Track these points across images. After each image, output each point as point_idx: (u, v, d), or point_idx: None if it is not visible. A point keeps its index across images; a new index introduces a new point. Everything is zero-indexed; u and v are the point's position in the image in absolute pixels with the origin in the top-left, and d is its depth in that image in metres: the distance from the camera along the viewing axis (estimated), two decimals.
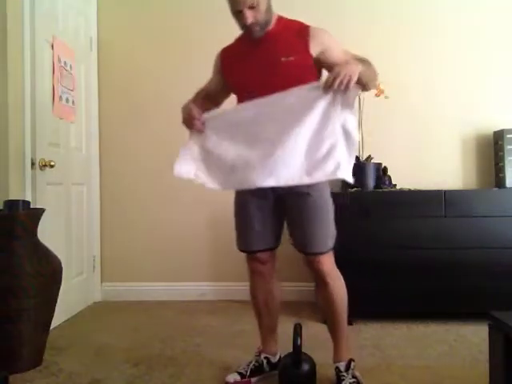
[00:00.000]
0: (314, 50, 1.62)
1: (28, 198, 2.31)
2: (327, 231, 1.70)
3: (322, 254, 1.68)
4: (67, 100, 2.76)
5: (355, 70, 1.47)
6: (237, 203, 1.80)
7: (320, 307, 1.81)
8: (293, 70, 1.61)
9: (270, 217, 1.74)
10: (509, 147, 2.77)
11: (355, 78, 1.46)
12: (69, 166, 2.79)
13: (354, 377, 1.70)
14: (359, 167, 2.78)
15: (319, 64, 1.66)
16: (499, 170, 2.84)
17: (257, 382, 1.83)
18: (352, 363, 1.74)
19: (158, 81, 3.20)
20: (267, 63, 1.62)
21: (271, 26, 1.65)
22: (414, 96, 3.06)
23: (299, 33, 1.63)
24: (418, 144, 3.07)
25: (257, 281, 1.84)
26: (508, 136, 2.77)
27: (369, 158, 2.83)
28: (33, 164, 2.38)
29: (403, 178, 2.91)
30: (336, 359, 1.76)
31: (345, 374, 1.70)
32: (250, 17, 1.55)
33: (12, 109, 2.29)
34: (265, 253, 1.78)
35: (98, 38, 3.20)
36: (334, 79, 1.46)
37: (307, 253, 1.70)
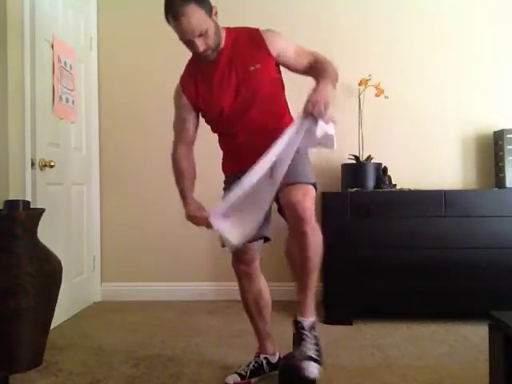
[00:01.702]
0: (273, 52, 1.66)
1: (28, 197, 2.31)
2: (306, 169, 1.65)
3: (302, 183, 1.58)
4: (67, 100, 2.76)
5: (328, 95, 1.51)
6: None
7: (289, 256, 1.65)
8: (263, 76, 1.65)
9: None
10: (509, 147, 2.77)
11: (330, 102, 1.50)
12: (69, 165, 2.79)
13: (315, 338, 1.59)
14: (359, 167, 2.79)
15: (278, 63, 1.71)
16: (499, 170, 2.84)
17: (257, 382, 1.83)
18: (317, 325, 1.63)
19: (158, 80, 3.20)
20: (238, 77, 1.63)
21: (223, 43, 1.65)
22: (414, 96, 3.06)
23: (253, 39, 1.66)
24: (418, 144, 3.07)
25: (245, 284, 1.83)
26: (508, 136, 2.77)
27: (369, 158, 2.83)
28: (33, 164, 2.38)
29: (403, 178, 2.90)
30: (301, 314, 1.61)
31: (307, 333, 1.58)
32: (200, 45, 1.55)
33: (12, 109, 2.29)
34: (248, 252, 1.75)
35: (98, 38, 3.20)
36: (313, 109, 1.48)
37: (288, 183, 1.56)
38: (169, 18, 1.52)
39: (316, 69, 1.65)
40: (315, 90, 1.53)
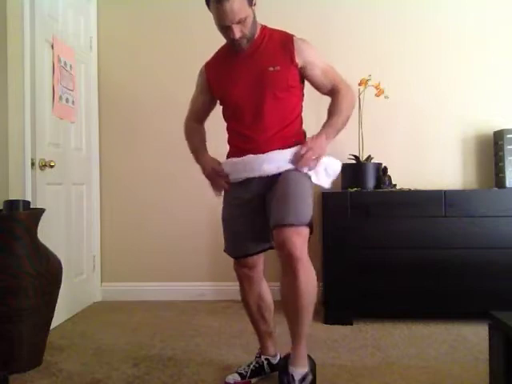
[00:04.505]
0: (299, 61, 1.65)
1: (28, 198, 2.31)
2: (303, 204, 1.56)
3: (294, 226, 1.50)
4: (67, 100, 2.76)
5: (323, 149, 1.60)
6: (223, 210, 1.78)
7: (282, 299, 1.59)
8: (280, 79, 1.63)
9: (255, 222, 1.69)
10: (509, 147, 2.77)
11: (322, 157, 1.61)
12: (69, 166, 2.79)
13: None
14: (359, 167, 2.79)
15: (302, 75, 1.70)
16: (499, 170, 2.84)
17: (257, 382, 1.83)
18: (309, 377, 1.55)
19: (157, 80, 3.20)
20: (255, 74, 1.64)
21: (256, 37, 1.66)
22: (414, 96, 3.06)
23: (284, 43, 1.65)
24: (418, 144, 3.07)
25: (246, 286, 1.81)
26: (508, 136, 2.77)
27: (369, 158, 2.83)
28: (33, 164, 2.38)
29: (403, 178, 2.91)
30: (292, 363, 1.56)
31: None
32: (237, 32, 1.56)
33: (12, 109, 2.29)
34: (250, 257, 1.73)
35: (97, 38, 3.20)
36: (302, 159, 1.57)
37: (277, 225, 1.52)
38: (210, 2, 1.53)
39: (331, 105, 1.68)
40: (311, 140, 1.59)
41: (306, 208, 1.57)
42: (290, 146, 1.64)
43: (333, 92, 1.69)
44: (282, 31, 1.71)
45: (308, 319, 1.58)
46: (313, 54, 1.67)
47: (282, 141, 1.65)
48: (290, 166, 1.62)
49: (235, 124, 1.73)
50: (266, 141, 1.64)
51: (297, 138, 1.69)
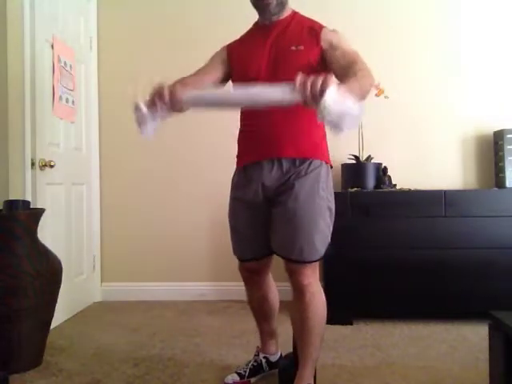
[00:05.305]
0: (323, 44, 1.56)
1: (28, 198, 2.31)
2: (317, 236, 1.52)
3: (307, 263, 1.52)
4: (67, 100, 2.76)
5: (328, 79, 1.15)
6: (229, 211, 1.73)
7: (292, 321, 1.65)
8: (301, 58, 1.55)
9: (261, 226, 1.63)
10: (509, 147, 2.77)
11: (330, 82, 1.15)
12: (69, 166, 2.79)
13: None
14: (359, 167, 2.79)
15: (324, 58, 1.57)
16: (499, 170, 2.84)
17: (256, 382, 1.83)
18: None
19: (158, 80, 3.20)
20: (275, 53, 1.58)
21: (285, 15, 1.63)
22: (414, 96, 3.06)
23: (312, 29, 1.60)
24: (418, 144, 3.07)
25: (250, 289, 1.80)
26: (508, 136, 2.77)
27: (369, 158, 2.83)
28: (33, 164, 2.37)
29: (403, 178, 2.91)
30: (295, 382, 1.59)
31: None
32: None
33: (12, 109, 2.29)
34: (254, 262, 1.70)
35: (97, 38, 3.20)
36: (305, 82, 1.16)
37: (287, 258, 1.55)
38: None
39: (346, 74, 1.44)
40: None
41: (321, 240, 1.53)
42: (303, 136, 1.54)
43: (349, 65, 1.47)
44: (313, 20, 1.66)
45: (315, 342, 1.59)
46: (338, 37, 1.58)
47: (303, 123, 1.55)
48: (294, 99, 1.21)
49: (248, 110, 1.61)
50: (285, 124, 1.55)
51: (314, 136, 1.59)
